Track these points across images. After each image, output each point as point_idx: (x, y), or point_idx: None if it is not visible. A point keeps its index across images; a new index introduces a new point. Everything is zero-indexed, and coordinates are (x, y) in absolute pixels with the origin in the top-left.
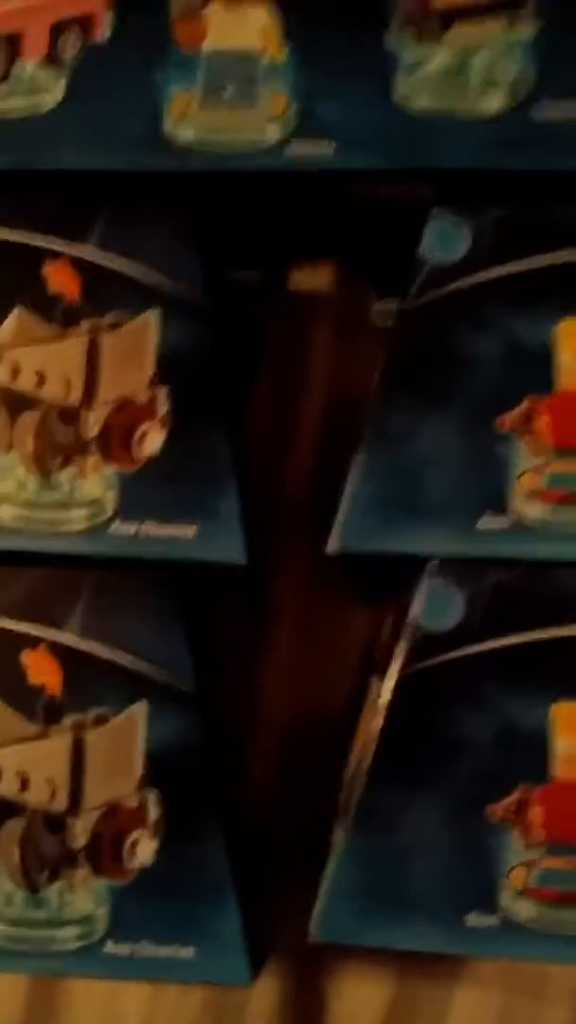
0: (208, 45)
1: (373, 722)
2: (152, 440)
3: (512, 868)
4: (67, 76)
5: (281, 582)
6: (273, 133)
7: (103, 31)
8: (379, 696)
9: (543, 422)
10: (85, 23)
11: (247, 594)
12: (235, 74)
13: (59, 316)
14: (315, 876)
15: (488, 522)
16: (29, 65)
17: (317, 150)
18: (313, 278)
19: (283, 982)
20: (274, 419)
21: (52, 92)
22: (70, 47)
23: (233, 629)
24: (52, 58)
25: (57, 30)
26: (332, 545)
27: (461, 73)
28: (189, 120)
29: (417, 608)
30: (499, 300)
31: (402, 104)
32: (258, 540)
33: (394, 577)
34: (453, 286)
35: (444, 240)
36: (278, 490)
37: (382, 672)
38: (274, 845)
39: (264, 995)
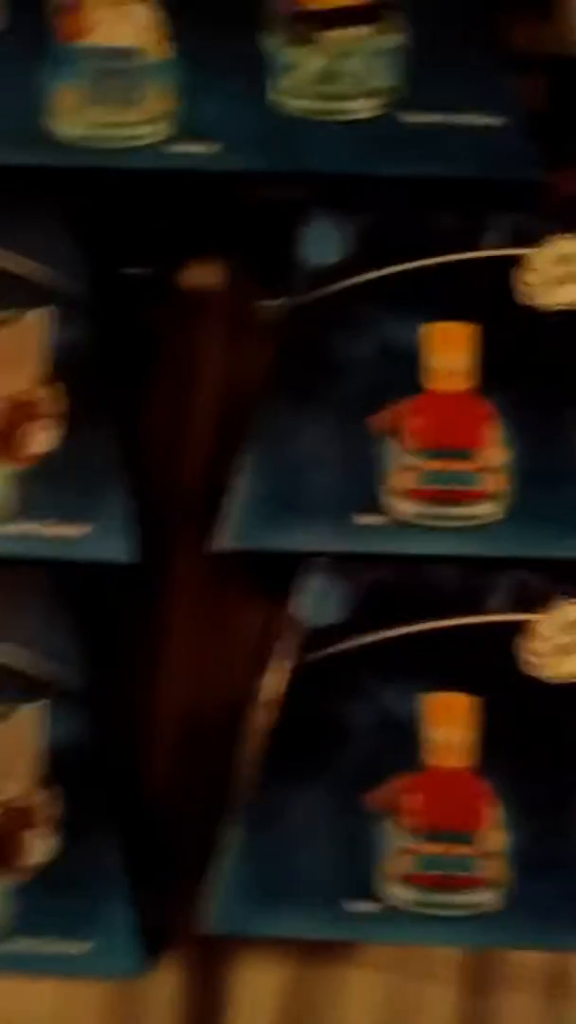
0: (91, 41)
1: (260, 716)
2: (42, 439)
3: (392, 855)
4: None
5: (177, 577)
6: (157, 132)
7: None
8: (266, 691)
9: (412, 422)
10: None
11: (142, 590)
12: (118, 71)
13: None
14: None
15: (365, 519)
16: None
17: (200, 150)
18: (203, 275)
19: (184, 971)
20: (167, 416)
21: None
22: None
23: (129, 625)
24: None
25: None
26: (218, 542)
27: (333, 77)
28: (74, 116)
29: (301, 604)
30: (372, 302)
31: (278, 106)
32: (150, 538)
33: (285, 571)
34: (330, 288)
35: (321, 243)
36: (172, 486)
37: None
38: (175, 838)
39: (165, 984)
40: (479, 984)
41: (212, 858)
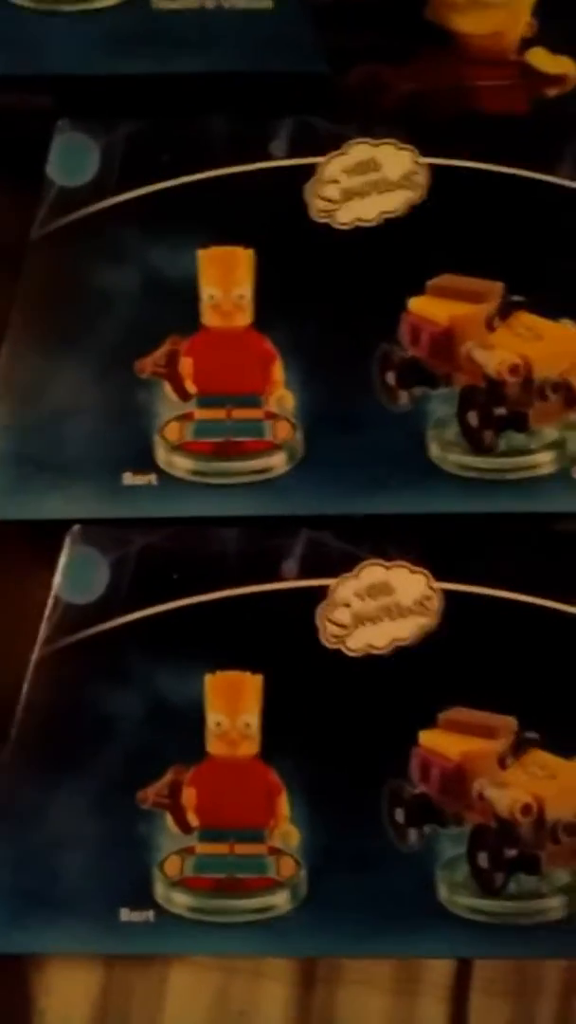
0: None
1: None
2: None
3: (166, 857)
4: None
5: None
6: None
7: None
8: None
9: (186, 365)
10: None
11: None
12: None
13: None
14: None
15: (132, 479)
16: None
17: None
18: None
19: None
20: None
21: None
22: None
23: None
24: None
25: None
26: None
27: None
28: None
29: (58, 579)
30: (135, 226)
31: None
32: None
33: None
34: (83, 211)
35: (71, 159)
36: None
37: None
38: None
39: None
40: (310, 980)
41: None
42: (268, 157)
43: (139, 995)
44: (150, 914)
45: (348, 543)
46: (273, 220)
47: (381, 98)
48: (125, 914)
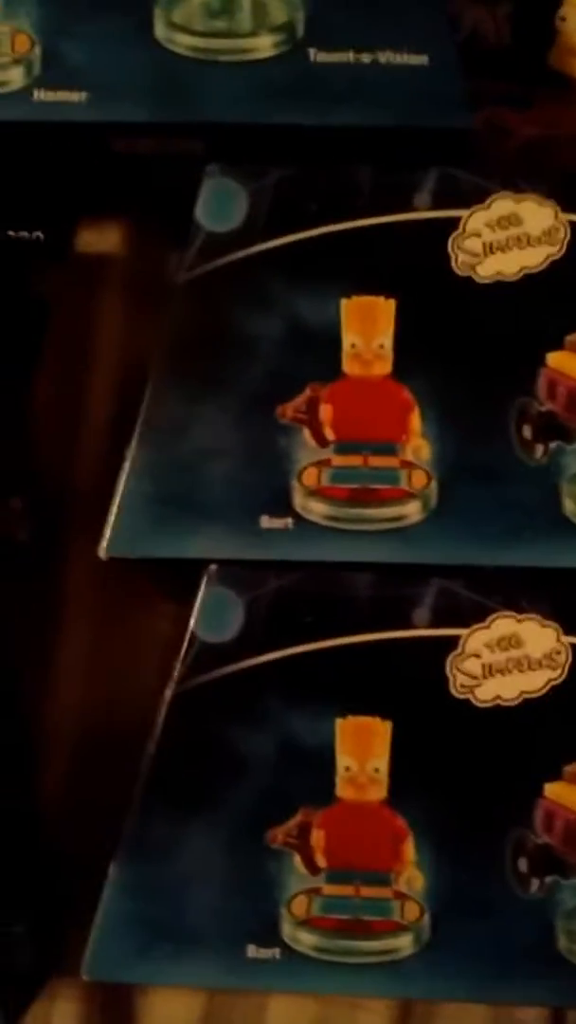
0: None
1: (150, 741)
2: None
3: (293, 896)
4: None
5: (72, 575)
6: (15, 78)
7: None
8: (159, 712)
9: (326, 411)
10: None
11: (36, 595)
12: None
13: None
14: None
15: (269, 522)
16: None
17: (66, 99)
18: (101, 238)
19: (88, 1005)
20: (60, 397)
21: None
22: None
23: (22, 629)
24: None
25: None
26: (103, 549)
27: (229, 9)
28: None
29: (195, 618)
30: (280, 273)
31: (162, 45)
32: (39, 539)
33: (187, 574)
34: (229, 257)
35: (219, 205)
36: (64, 475)
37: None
38: (66, 869)
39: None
40: (406, 1016)
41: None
42: (412, 209)
43: (239, 1020)
44: (276, 952)
45: (479, 594)
46: (416, 271)
47: (504, 143)
48: (252, 951)
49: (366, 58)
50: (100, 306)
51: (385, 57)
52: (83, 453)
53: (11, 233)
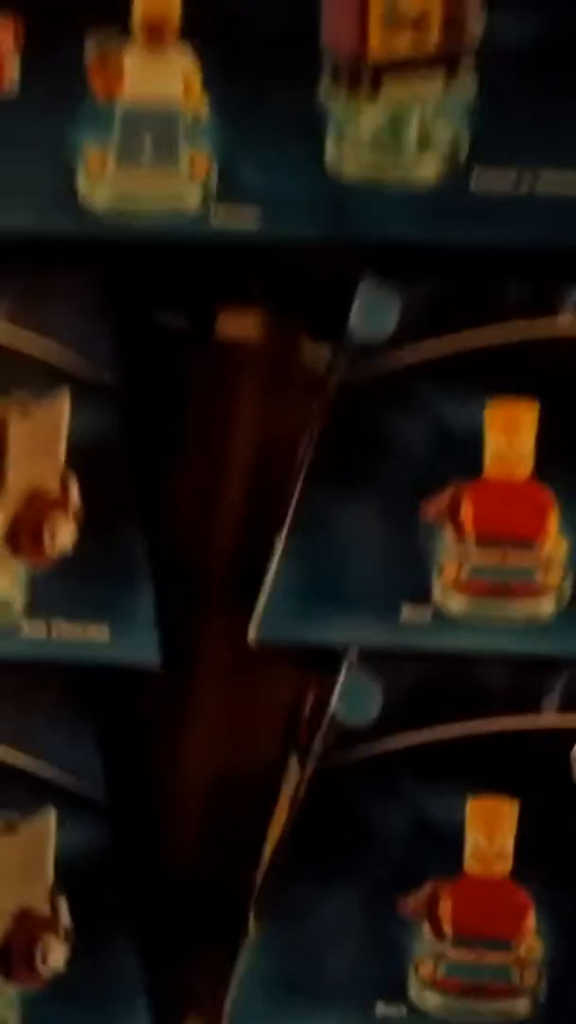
0: (125, 96)
1: (289, 812)
2: (64, 534)
3: (420, 960)
4: None
5: (205, 652)
6: (194, 198)
7: (9, 77)
8: (294, 781)
9: (468, 510)
10: None
11: (166, 684)
12: (153, 130)
13: None
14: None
15: (410, 613)
16: None
17: (241, 218)
18: (242, 325)
19: None
20: (201, 476)
21: None
22: None
23: (154, 700)
24: None
25: None
26: (252, 634)
27: (395, 135)
28: (103, 181)
29: (336, 700)
30: (429, 379)
31: (332, 169)
32: (176, 630)
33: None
34: (382, 363)
35: (373, 314)
36: (204, 548)
37: (300, 751)
38: (197, 930)
39: None
40: None
41: (234, 956)
42: (556, 327)
43: None
44: (403, 1009)
45: None
46: (558, 380)
47: None
48: (380, 1007)
49: (528, 176)
50: (239, 392)
51: (547, 175)
52: (220, 536)
53: (156, 319)
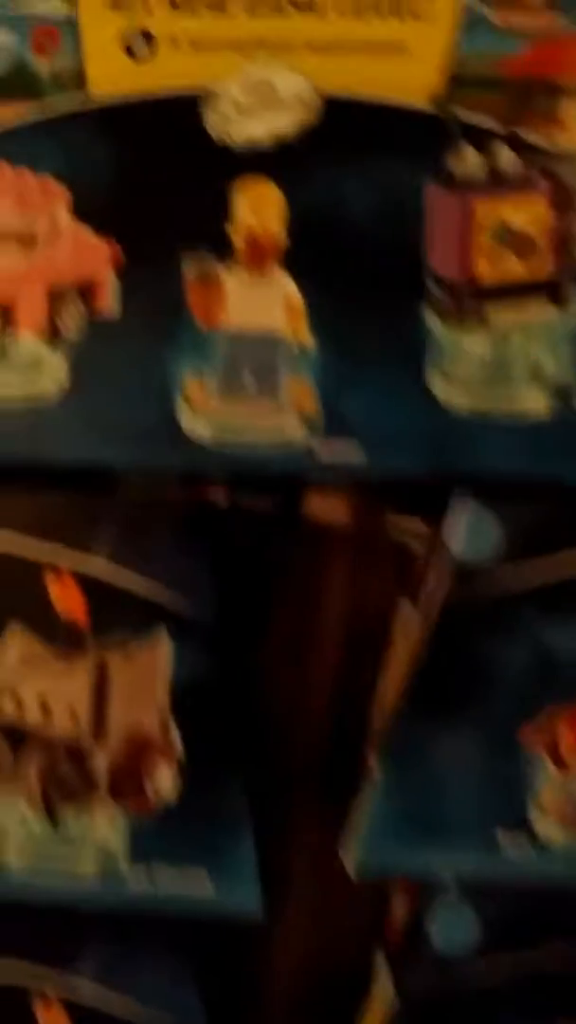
0: (226, 322)
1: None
2: (166, 780)
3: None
4: (69, 355)
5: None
6: (296, 430)
7: (107, 302)
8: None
9: (565, 736)
10: (87, 291)
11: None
12: (255, 359)
13: (62, 637)
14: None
15: (508, 840)
16: (25, 339)
17: (344, 453)
18: (328, 506)
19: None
20: (290, 657)
21: (53, 374)
22: (71, 320)
23: None
24: (52, 332)
25: (55, 299)
26: (348, 864)
27: (503, 365)
28: (204, 412)
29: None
30: (531, 604)
31: (438, 401)
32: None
33: None
34: (481, 594)
35: (474, 536)
36: (293, 735)
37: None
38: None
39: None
40: None
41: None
42: None
43: None
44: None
45: None
46: None
47: None
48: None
49: None
50: (327, 574)
51: None
52: (308, 720)
53: (242, 502)
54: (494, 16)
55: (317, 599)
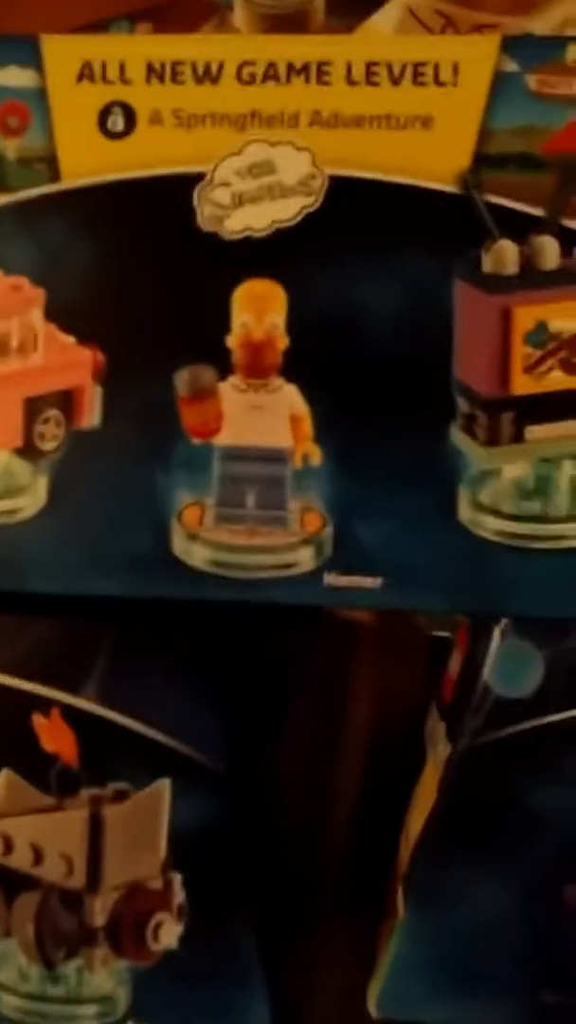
0: (223, 438)
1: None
2: (168, 932)
3: None
4: (48, 473)
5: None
6: (305, 559)
7: (90, 413)
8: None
9: None
10: (66, 402)
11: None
12: (258, 479)
13: (53, 780)
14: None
15: (550, 1000)
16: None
17: (358, 584)
18: None
19: None
20: (308, 757)
21: (30, 494)
22: (49, 434)
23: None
24: (28, 447)
25: (32, 410)
26: (373, 1010)
27: (544, 491)
28: (201, 538)
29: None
30: (573, 744)
31: (466, 528)
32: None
33: None
34: (521, 726)
35: (513, 668)
36: (313, 841)
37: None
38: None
39: None
40: None
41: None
42: None
43: None
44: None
45: None
46: None
47: None
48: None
49: None
50: (352, 670)
51: None
52: (328, 820)
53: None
54: (533, 82)
55: (340, 700)
